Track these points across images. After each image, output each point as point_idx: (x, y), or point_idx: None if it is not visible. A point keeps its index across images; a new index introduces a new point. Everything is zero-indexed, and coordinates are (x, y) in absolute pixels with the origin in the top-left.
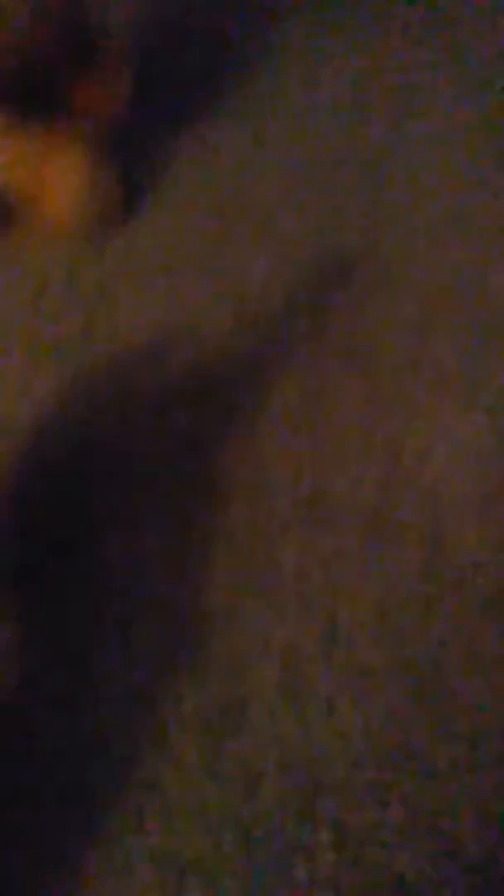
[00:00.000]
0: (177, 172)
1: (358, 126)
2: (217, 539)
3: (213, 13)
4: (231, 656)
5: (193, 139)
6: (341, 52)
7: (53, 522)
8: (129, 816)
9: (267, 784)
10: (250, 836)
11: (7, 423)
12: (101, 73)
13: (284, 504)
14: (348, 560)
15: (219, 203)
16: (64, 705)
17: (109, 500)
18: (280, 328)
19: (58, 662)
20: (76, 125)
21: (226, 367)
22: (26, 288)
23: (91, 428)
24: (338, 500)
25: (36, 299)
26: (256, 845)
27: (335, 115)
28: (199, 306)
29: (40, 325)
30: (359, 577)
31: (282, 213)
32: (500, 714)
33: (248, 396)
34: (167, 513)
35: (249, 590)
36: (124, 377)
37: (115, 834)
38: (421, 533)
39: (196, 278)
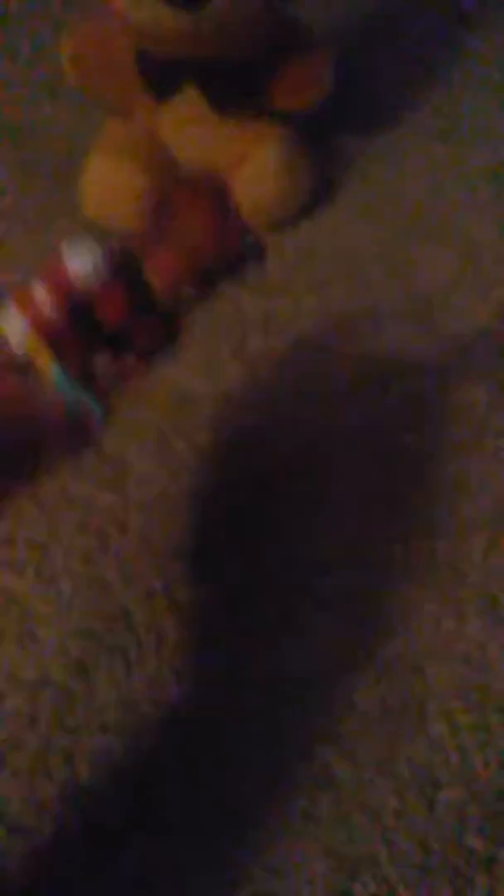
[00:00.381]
0: (364, 170)
1: None
2: (396, 535)
3: (409, 18)
4: (409, 656)
5: (383, 139)
6: None
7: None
8: (302, 806)
9: (446, 794)
10: (427, 845)
11: (191, 398)
12: (302, 64)
13: (470, 502)
14: None
15: (405, 202)
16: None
17: (290, 487)
18: (464, 328)
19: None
20: (274, 116)
21: (406, 364)
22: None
23: (271, 415)
24: None
25: (223, 283)
26: (433, 856)
27: None
28: (380, 303)
29: (222, 305)
30: None
31: (468, 215)
32: None
33: (431, 391)
34: (348, 508)
35: (430, 588)
36: (301, 366)
37: (286, 823)
38: None
39: (378, 276)
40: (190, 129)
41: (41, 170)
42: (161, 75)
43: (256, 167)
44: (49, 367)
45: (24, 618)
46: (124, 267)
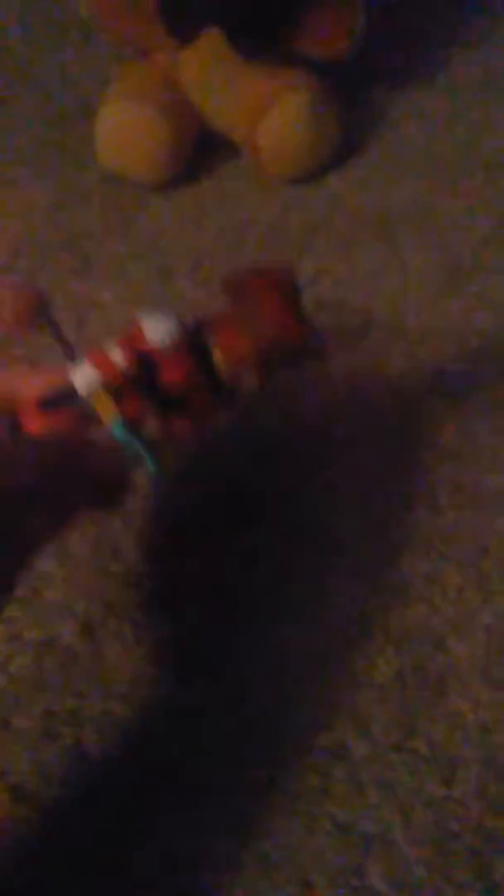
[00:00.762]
0: (395, 124)
1: None
2: (418, 502)
3: None
4: (429, 628)
5: (415, 93)
6: None
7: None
8: (315, 780)
9: (464, 773)
10: (444, 825)
11: None
12: (334, 10)
13: (495, 474)
14: None
15: (436, 160)
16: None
17: (304, 462)
18: (495, 288)
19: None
20: (303, 62)
21: (433, 324)
22: (231, 228)
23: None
24: None
25: (239, 242)
26: (450, 836)
27: None
28: (409, 262)
29: (243, 264)
30: None
31: (502, 175)
32: None
33: (455, 359)
34: (366, 478)
35: (452, 560)
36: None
37: (298, 795)
38: None
39: (407, 234)
40: (213, 73)
41: (55, 113)
42: (183, 15)
43: (283, 114)
44: (112, 420)
45: (29, 577)
46: (194, 341)
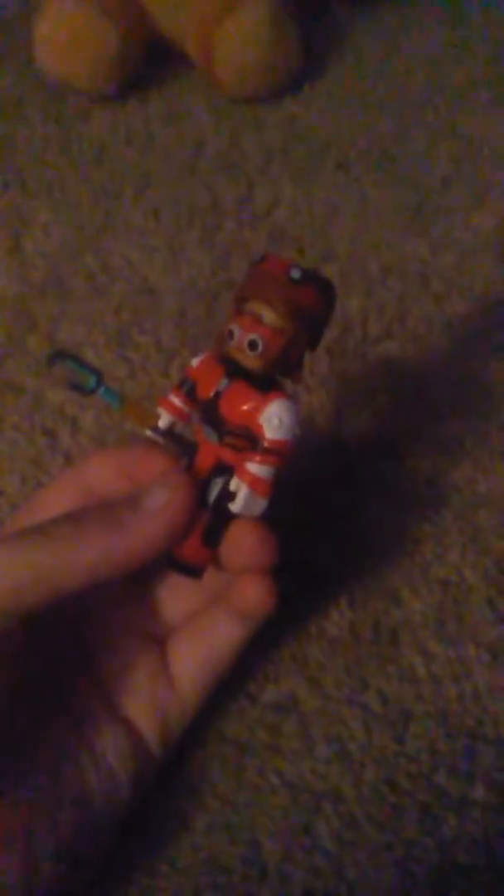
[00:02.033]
0: (359, 48)
1: None
2: (377, 452)
3: None
4: (383, 579)
5: (384, 16)
6: None
7: None
8: (264, 734)
9: (416, 728)
10: (394, 781)
11: (156, 287)
12: None
13: (457, 420)
14: None
15: (400, 90)
16: None
17: None
18: (458, 229)
19: None
20: None
21: (394, 262)
22: (181, 148)
23: None
24: None
25: (190, 164)
26: (401, 791)
27: None
28: (369, 196)
29: (195, 188)
30: None
31: (467, 114)
32: None
33: (415, 300)
34: (322, 423)
35: (411, 511)
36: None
37: (246, 751)
38: None
39: (367, 166)
40: None
41: None
42: None
43: (240, 25)
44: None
45: None
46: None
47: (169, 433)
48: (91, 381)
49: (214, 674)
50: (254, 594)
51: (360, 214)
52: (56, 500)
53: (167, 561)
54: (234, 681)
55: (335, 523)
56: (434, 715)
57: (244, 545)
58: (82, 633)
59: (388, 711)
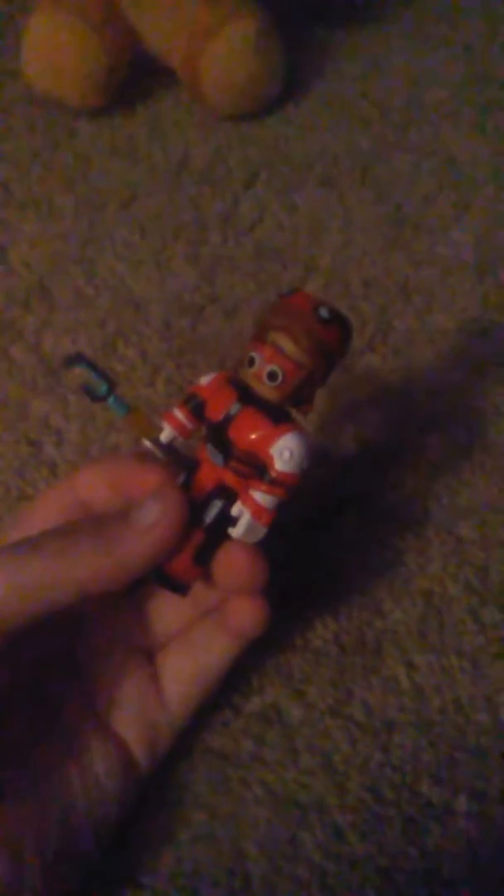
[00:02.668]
0: (341, 68)
1: None
2: (359, 464)
3: None
4: (367, 591)
5: (364, 37)
6: None
7: None
8: (248, 745)
9: (399, 738)
10: (378, 791)
11: (141, 299)
12: None
13: (440, 434)
14: None
15: (383, 108)
16: None
17: None
18: (440, 245)
19: None
20: None
21: (376, 277)
22: (166, 162)
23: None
24: None
25: (174, 178)
26: (385, 802)
27: None
28: (353, 213)
29: (180, 202)
30: None
31: (449, 131)
32: None
33: (398, 314)
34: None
35: (395, 522)
36: (263, 272)
37: (231, 762)
38: None
39: (351, 183)
40: None
41: None
42: None
43: (227, 43)
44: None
45: None
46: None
47: (168, 447)
48: (102, 388)
49: (204, 689)
50: (248, 615)
51: (343, 230)
52: (45, 513)
53: (154, 576)
54: (218, 692)
55: (319, 535)
56: (417, 725)
57: (236, 567)
58: (72, 644)
59: (371, 722)
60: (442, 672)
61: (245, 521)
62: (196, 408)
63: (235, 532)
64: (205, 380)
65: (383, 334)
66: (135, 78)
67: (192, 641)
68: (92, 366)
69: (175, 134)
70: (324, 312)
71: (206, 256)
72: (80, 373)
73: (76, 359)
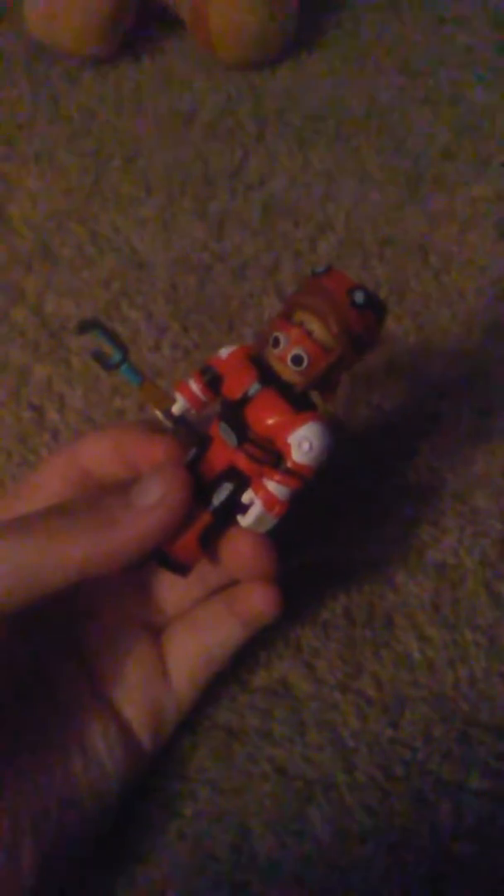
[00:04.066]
0: (360, 16)
1: None
2: (373, 432)
3: None
4: (380, 564)
5: None
6: None
7: None
8: (255, 720)
9: (410, 713)
10: (388, 767)
11: (146, 259)
12: None
13: (457, 417)
14: None
15: (403, 61)
16: None
17: None
18: (459, 203)
19: None
20: None
21: (392, 235)
22: (172, 115)
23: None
24: None
25: (183, 131)
26: (394, 778)
27: None
28: (367, 167)
29: (187, 156)
30: None
31: (471, 76)
32: None
33: (414, 275)
34: None
35: (408, 494)
36: (274, 230)
37: (237, 737)
38: None
39: (365, 136)
40: None
41: None
42: None
43: None
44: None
45: None
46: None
47: (181, 419)
48: (116, 356)
49: (211, 670)
50: (257, 602)
51: (357, 185)
52: (48, 481)
53: (155, 555)
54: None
55: (329, 505)
56: (429, 700)
57: (243, 556)
58: (74, 620)
59: (382, 697)
60: (455, 646)
61: (256, 510)
62: (212, 381)
63: (244, 521)
64: (224, 352)
65: (399, 296)
66: (141, 27)
67: (201, 621)
68: (108, 332)
69: (182, 84)
70: (359, 297)
71: (214, 213)
72: (93, 339)
73: (91, 324)
